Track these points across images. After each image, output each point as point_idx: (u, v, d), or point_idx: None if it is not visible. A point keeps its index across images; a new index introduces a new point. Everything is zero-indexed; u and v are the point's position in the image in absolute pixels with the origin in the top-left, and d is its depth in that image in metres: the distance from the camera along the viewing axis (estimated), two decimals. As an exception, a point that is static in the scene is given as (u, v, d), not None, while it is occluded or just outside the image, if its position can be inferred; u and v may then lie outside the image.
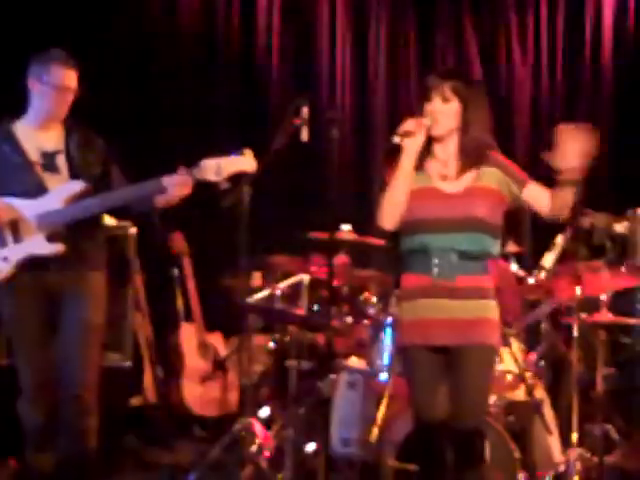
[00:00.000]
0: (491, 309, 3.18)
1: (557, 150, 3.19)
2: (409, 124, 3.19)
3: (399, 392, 4.25)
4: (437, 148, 3.17)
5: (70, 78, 3.98)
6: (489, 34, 6.51)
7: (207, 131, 6.16)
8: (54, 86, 3.92)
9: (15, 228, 3.93)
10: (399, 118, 3.46)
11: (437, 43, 6.50)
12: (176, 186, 3.81)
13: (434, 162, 3.18)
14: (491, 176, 3.13)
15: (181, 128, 6.18)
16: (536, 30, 6.49)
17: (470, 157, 3.15)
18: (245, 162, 3.90)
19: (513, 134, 6.39)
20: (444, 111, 3.15)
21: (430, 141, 3.18)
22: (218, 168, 3.88)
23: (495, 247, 3.22)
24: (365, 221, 4.63)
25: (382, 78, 6.42)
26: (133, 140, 5.35)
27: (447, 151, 3.17)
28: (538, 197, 3.16)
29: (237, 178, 3.97)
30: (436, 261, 3.08)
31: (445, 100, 3.25)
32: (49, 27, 5.77)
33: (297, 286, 4.86)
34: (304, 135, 4.06)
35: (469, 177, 3.12)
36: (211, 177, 3.84)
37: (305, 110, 4.09)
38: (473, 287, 3.13)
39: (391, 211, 3.17)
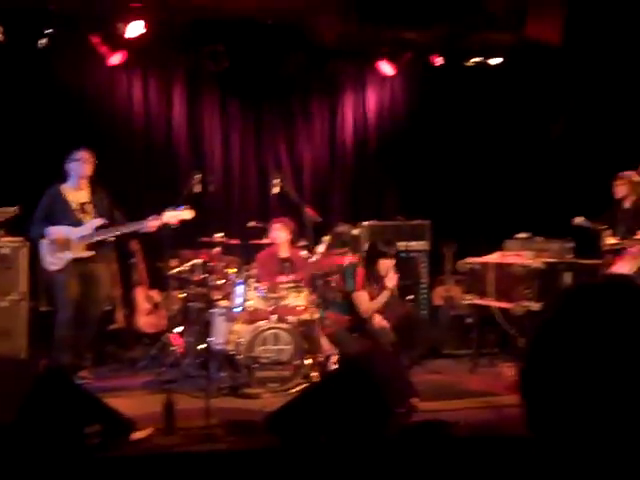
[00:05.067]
0: None
1: None
2: None
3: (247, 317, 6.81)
4: None
5: (87, 155, 6.77)
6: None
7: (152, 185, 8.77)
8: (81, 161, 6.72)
9: (67, 243, 6.72)
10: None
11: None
12: (150, 227, 6.67)
13: None
14: None
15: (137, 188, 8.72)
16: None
17: None
18: (187, 213, 6.73)
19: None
20: None
21: None
22: (173, 216, 6.67)
23: None
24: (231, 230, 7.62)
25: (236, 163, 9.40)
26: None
27: None
28: None
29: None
30: None
31: None
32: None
33: (194, 265, 7.51)
34: (197, 188, 7.00)
35: None
36: (169, 221, 6.66)
37: (197, 177, 7.00)
38: None
39: None
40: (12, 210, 6.81)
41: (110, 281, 7.42)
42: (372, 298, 6.91)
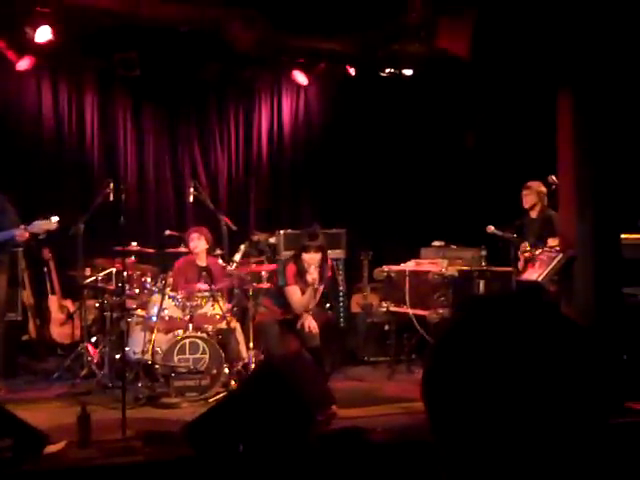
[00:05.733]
0: None
1: None
2: None
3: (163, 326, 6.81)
4: None
5: None
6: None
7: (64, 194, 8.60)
8: None
9: None
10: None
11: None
12: (20, 235, 6.47)
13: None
14: None
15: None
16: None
17: None
18: (51, 224, 6.46)
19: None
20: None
21: None
22: (39, 226, 6.49)
23: None
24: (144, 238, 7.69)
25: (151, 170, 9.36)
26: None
27: None
28: None
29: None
30: None
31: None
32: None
33: (109, 274, 7.43)
34: (110, 196, 7.06)
35: None
36: (36, 231, 6.48)
37: (111, 185, 7.06)
38: None
39: None
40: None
41: (13, 289, 7.21)
42: (303, 293, 6.84)
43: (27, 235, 6.45)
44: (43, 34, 8.00)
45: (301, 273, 6.70)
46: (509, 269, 7.46)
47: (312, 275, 6.63)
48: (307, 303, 6.72)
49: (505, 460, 1.14)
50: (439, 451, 1.19)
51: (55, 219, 6.40)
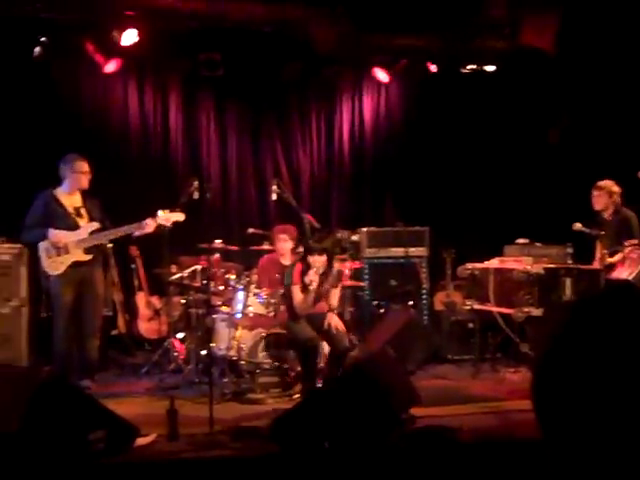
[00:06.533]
0: None
1: None
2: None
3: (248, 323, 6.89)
4: None
5: (85, 167, 6.74)
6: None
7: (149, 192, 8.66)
8: (79, 172, 6.71)
9: (65, 247, 6.64)
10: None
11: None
12: (147, 226, 6.65)
13: None
14: None
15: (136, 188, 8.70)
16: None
17: None
18: (180, 215, 6.71)
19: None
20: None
21: None
22: (166, 218, 6.69)
23: None
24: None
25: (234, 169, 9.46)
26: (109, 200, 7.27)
27: None
28: None
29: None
30: None
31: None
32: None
33: (194, 271, 7.50)
34: (195, 195, 7.00)
35: None
36: (163, 223, 6.67)
37: (195, 183, 7.00)
38: None
39: None
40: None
41: (105, 286, 7.38)
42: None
43: (153, 226, 6.61)
44: (129, 37, 8.24)
45: (305, 274, 6.56)
46: (597, 267, 7.28)
47: (309, 277, 6.47)
48: (306, 305, 6.52)
49: (617, 458, 1.12)
50: (547, 451, 1.18)
51: (179, 212, 6.64)
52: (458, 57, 9.46)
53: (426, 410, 5.73)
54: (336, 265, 6.61)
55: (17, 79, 8.44)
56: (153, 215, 6.60)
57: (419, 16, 8.63)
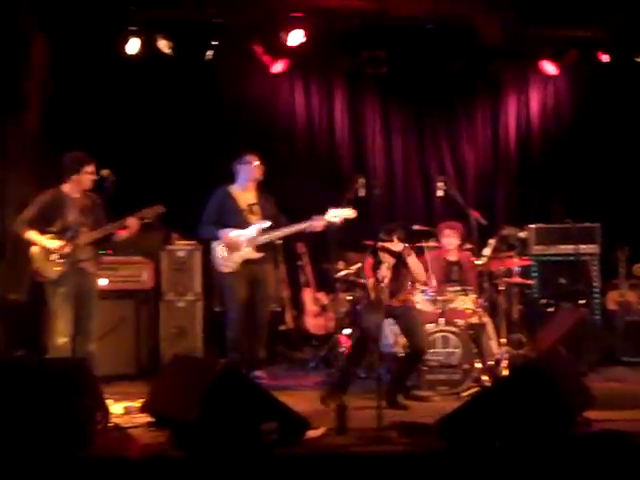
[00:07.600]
0: None
1: None
2: None
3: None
4: None
5: (259, 169, 6.95)
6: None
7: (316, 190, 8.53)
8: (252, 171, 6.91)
9: (237, 245, 6.86)
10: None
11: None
12: (316, 225, 6.79)
13: None
14: None
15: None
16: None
17: None
18: (350, 212, 6.81)
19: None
20: None
21: None
22: (337, 215, 6.75)
23: None
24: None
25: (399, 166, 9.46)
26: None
27: None
28: None
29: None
30: None
31: None
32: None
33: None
34: (361, 192, 7.07)
35: None
36: (333, 220, 6.75)
37: (361, 180, 7.08)
38: None
39: None
40: (156, 209, 6.39)
41: (276, 283, 7.54)
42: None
43: (323, 224, 6.70)
44: (296, 37, 8.38)
45: (376, 267, 6.32)
46: None
47: (381, 272, 6.23)
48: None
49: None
50: None
51: (350, 209, 6.70)
52: (632, 46, 8.99)
53: (601, 413, 5.49)
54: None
55: (189, 83, 8.81)
56: (323, 213, 6.64)
57: (585, 5, 8.30)
